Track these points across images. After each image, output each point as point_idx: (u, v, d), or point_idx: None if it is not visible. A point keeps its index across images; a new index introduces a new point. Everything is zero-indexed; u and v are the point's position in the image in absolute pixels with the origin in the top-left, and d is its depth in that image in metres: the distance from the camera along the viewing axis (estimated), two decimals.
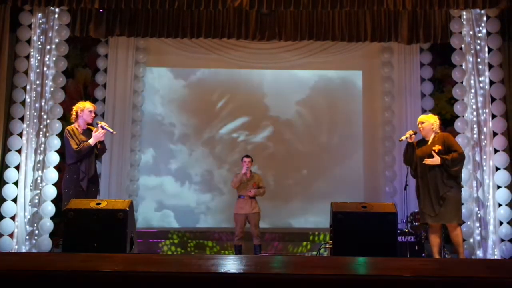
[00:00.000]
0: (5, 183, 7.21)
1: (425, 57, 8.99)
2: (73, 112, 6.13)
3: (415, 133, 6.20)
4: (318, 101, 9.68)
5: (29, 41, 7.46)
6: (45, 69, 7.55)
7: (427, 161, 5.94)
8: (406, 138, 6.16)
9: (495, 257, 6.91)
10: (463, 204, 6.68)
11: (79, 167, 5.93)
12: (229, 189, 8.64)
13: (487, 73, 7.31)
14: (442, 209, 5.90)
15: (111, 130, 6.22)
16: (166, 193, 9.39)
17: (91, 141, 5.97)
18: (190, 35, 8.12)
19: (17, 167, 7.26)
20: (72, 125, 6.11)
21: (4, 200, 7.17)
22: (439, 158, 5.92)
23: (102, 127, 6.07)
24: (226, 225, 8.95)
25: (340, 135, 9.62)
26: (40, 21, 7.54)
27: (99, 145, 6.07)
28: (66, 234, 5.12)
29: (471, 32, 7.45)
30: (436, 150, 5.96)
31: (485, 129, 7.27)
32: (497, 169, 7.12)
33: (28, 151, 7.31)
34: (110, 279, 2.84)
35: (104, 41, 8.98)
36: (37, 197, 7.35)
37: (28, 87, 7.44)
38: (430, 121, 6.15)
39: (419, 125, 6.19)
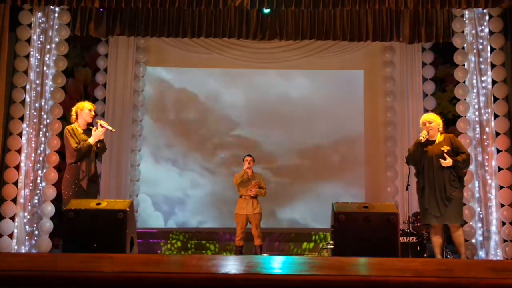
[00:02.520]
0: (5, 183, 7.19)
1: (427, 57, 8.96)
2: (73, 113, 6.12)
3: (427, 134, 6.13)
4: (319, 101, 9.67)
5: (29, 41, 7.44)
6: (45, 68, 7.54)
7: (444, 162, 5.90)
8: (423, 138, 6.07)
9: (498, 258, 6.88)
10: (465, 204, 6.66)
11: (79, 166, 5.91)
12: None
13: (489, 72, 7.28)
14: (447, 209, 5.89)
15: (110, 128, 6.20)
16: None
17: (91, 140, 5.95)
18: (191, 34, 8.09)
19: (17, 167, 7.24)
20: (72, 125, 6.10)
21: (4, 200, 7.15)
22: (451, 160, 5.91)
23: (102, 126, 6.06)
24: (220, 223, 9.08)
25: (342, 135, 9.61)
26: (40, 20, 7.52)
27: (99, 144, 6.05)
28: (66, 235, 5.09)
29: (473, 31, 7.43)
30: (446, 151, 5.94)
31: (487, 129, 7.24)
32: (500, 169, 7.09)
33: (28, 151, 7.28)
34: (110, 280, 2.82)
35: (104, 40, 8.97)
36: (36, 197, 7.33)
37: (28, 87, 7.41)
38: (437, 121, 6.11)
39: (427, 124, 6.08)
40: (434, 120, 6.12)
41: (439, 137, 6.08)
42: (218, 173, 9.56)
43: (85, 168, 5.94)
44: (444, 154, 5.92)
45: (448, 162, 5.91)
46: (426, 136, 6.02)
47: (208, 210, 9.42)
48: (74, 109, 6.12)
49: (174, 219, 9.50)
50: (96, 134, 5.98)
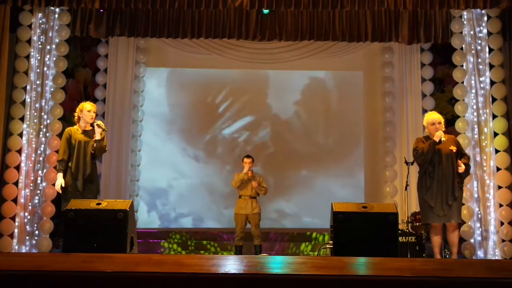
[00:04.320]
0: (5, 183, 7.20)
1: (425, 57, 8.98)
2: (75, 114, 6.21)
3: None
4: (318, 102, 9.69)
5: (29, 41, 7.46)
6: (45, 69, 7.55)
7: (461, 169, 6.02)
8: (444, 139, 6.08)
9: (496, 258, 6.91)
10: (463, 204, 6.69)
11: (70, 167, 5.99)
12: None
13: (487, 73, 7.30)
14: (450, 209, 5.95)
15: (103, 128, 6.21)
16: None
17: (57, 185, 6.04)
18: (191, 35, 8.11)
19: (17, 167, 7.26)
20: (72, 127, 6.19)
21: (4, 200, 7.17)
22: (464, 166, 6.06)
23: (98, 126, 6.10)
24: (220, 223, 9.07)
25: (341, 135, 9.62)
26: (40, 21, 7.54)
27: (95, 144, 6.06)
28: (66, 235, 5.11)
29: (471, 32, 7.45)
30: (454, 151, 6.01)
31: (485, 129, 7.26)
32: (498, 169, 7.12)
33: (28, 151, 7.30)
34: (110, 279, 2.84)
35: (104, 41, 8.98)
36: (37, 197, 7.35)
37: (28, 87, 7.43)
38: (443, 121, 6.19)
39: (436, 125, 6.11)
40: (442, 119, 6.19)
41: (443, 138, 6.12)
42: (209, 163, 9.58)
43: (75, 170, 5.98)
44: (460, 161, 6.04)
45: (462, 168, 6.03)
46: (443, 136, 6.05)
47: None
48: (77, 110, 6.22)
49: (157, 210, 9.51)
50: (56, 185, 6.06)
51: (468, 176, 6.84)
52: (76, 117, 6.19)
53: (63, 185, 6.00)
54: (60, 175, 6.04)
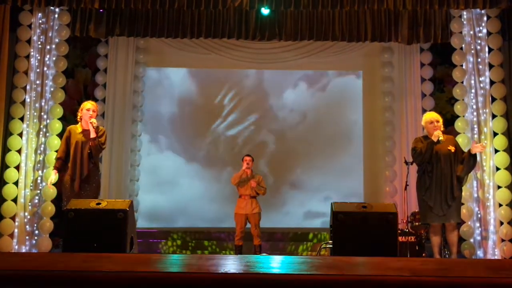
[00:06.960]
0: (5, 183, 7.20)
1: (425, 57, 8.98)
2: (78, 114, 6.24)
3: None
4: (318, 101, 9.69)
5: (29, 41, 7.45)
6: (45, 69, 7.55)
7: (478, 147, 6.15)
8: (443, 138, 6.07)
9: (496, 257, 6.91)
10: (463, 204, 6.70)
11: (68, 167, 6.01)
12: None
13: (487, 73, 7.30)
14: (450, 209, 5.95)
15: (94, 125, 6.17)
16: None
17: (49, 181, 6.23)
18: (190, 35, 8.11)
19: (17, 167, 7.25)
20: (74, 125, 6.22)
21: (4, 200, 7.16)
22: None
23: (91, 123, 6.09)
24: (220, 222, 9.06)
25: (340, 135, 9.63)
26: (40, 21, 7.53)
27: (91, 143, 6.04)
28: (66, 234, 5.11)
29: (471, 32, 7.45)
30: (453, 151, 6.00)
31: (485, 129, 7.26)
32: (498, 169, 7.12)
33: (28, 151, 7.30)
34: (110, 279, 2.84)
35: (104, 41, 8.99)
36: (37, 197, 7.35)
37: (28, 87, 7.43)
38: (441, 120, 6.19)
39: (435, 123, 6.11)
40: (440, 118, 6.19)
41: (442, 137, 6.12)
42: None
43: (71, 170, 5.99)
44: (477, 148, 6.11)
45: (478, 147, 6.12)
46: (441, 135, 6.04)
47: None
48: (79, 109, 6.26)
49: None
50: (50, 180, 6.23)
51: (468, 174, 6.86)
52: (78, 117, 6.22)
53: (53, 182, 6.10)
54: (53, 172, 6.12)
